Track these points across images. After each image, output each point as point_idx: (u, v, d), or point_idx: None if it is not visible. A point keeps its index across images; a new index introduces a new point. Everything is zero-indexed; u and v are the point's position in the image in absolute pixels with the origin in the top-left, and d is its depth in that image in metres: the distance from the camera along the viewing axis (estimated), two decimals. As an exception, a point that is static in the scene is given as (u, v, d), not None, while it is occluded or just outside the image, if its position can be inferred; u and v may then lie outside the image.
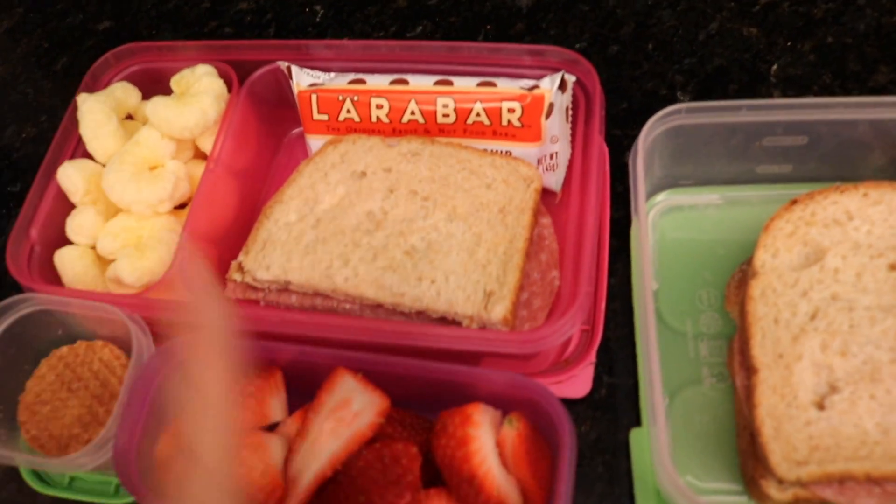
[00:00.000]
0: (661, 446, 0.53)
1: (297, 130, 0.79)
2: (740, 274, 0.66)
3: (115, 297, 0.63)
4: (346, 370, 0.56)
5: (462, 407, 0.53)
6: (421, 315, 0.62)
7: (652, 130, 0.64)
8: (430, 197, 0.65)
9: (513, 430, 0.53)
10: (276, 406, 0.58)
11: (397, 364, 0.56)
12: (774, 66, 0.79)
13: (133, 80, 0.76)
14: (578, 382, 0.65)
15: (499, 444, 0.53)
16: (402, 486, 0.52)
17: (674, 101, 0.77)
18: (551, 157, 0.69)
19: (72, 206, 0.72)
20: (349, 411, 0.54)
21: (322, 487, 0.54)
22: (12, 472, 0.70)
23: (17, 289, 0.67)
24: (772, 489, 0.57)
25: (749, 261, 0.65)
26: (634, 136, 0.65)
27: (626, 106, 0.79)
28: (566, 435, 0.52)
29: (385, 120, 0.69)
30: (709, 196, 0.72)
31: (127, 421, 0.57)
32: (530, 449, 0.54)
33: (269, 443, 0.55)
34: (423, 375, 0.56)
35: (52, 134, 0.87)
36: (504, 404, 0.56)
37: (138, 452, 0.57)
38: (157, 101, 0.69)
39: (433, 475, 0.56)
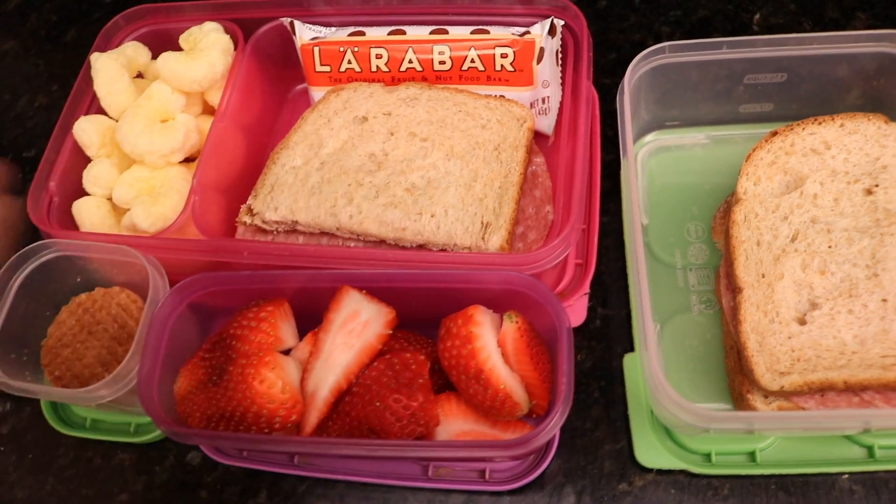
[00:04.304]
0: (653, 365, 0.56)
1: (300, 87, 0.83)
2: (725, 206, 0.70)
3: (131, 239, 0.66)
4: (351, 287, 0.59)
5: (463, 310, 0.57)
6: (422, 249, 0.66)
7: (637, 69, 0.67)
8: (428, 138, 0.68)
9: (512, 324, 0.57)
10: (287, 332, 0.61)
11: (398, 277, 0.59)
12: (757, 16, 0.82)
13: (142, 41, 0.79)
14: (574, 313, 0.68)
15: (500, 343, 0.57)
16: (413, 389, 0.55)
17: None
18: (543, 101, 0.72)
19: (87, 161, 0.75)
20: (358, 322, 0.58)
21: (338, 399, 0.58)
22: (36, 417, 0.73)
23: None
24: (758, 402, 0.60)
25: (734, 192, 0.68)
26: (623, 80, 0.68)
27: (614, 56, 0.82)
28: (562, 323, 0.56)
29: (384, 69, 0.73)
30: (695, 136, 0.75)
31: (147, 354, 0.60)
32: (530, 342, 0.57)
33: (285, 362, 0.58)
34: (422, 286, 0.59)
35: (63, 102, 0.91)
36: (500, 307, 0.59)
37: (159, 386, 0.60)
38: (168, 56, 0.73)
39: (441, 386, 0.59)
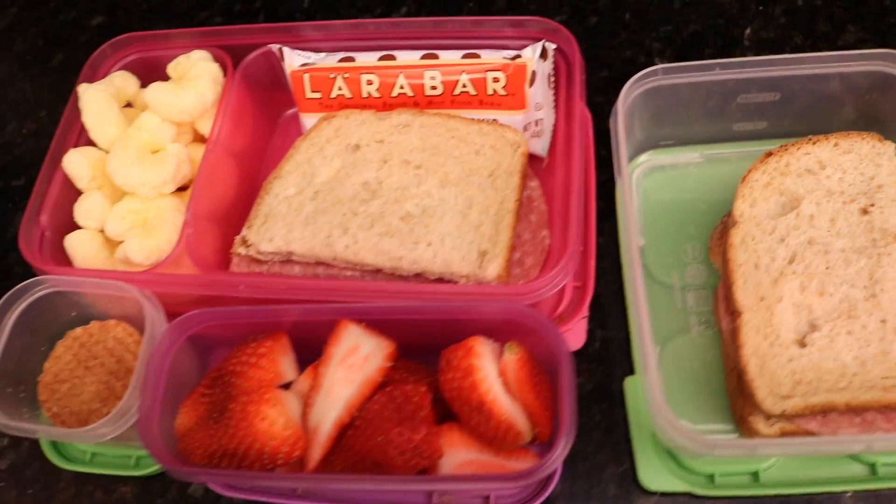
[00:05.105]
0: (654, 390, 0.56)
1: (290, 112, 0.82)
2: (722, 226, 0.70)
3: (126, 275, 0.66)
4: (350, 321, 0.59)
5: (463, 341, 0.57)
6: (419, 278, 0.65)
7: (630, 92, 0.67)
8: (422, 165, 0.68)
9: (513, 355, 0.57)
10: (287, 366, 0.61)
11: (396, 310, 0.59)
12: (748, 30, 0.82)
13: (130, 69, 0.78)
14: (573, 336, 0.68)
15: (501, 373, 0.57)
16: (416, 422, 0.55)
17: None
18: (536, 123, 0.72)
19: (77, 194, 0.74)
20: (359, 356, 0.57)
21: (341, 434, 0.57)
22: (35, 452, 0.73)
23: (27, 277, 0.69)
24: (760, 425, 0.60)
25: (730, 213, 0.68)
26: (615, 102, 0.68)
27: (606, 74, 0.82)
28: (563, 354, 0.56)
29: (375, 95, 0.72)
30: (689, 155, 0.75)
31: (147, 391, 0.60)
32: (531, 372, 0.57)
33: (286, 398, 0.58)
34: (421, 318, 0.59)
35: (52, 128, 0.89)
36: (500, 336, 0.59)
37: (160, 422, 0.60)
38: (156, 87, 0.72)
39: (442, 416, 0.59)
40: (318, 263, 0.68)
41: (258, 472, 0.57)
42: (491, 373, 0.57)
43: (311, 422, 0.59)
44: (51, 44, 0.98)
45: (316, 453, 0.58)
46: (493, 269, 0.63)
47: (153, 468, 0.70)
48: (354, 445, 0.58)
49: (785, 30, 0.82)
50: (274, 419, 0.56)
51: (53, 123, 0.89)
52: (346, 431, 0.59)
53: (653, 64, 0.82)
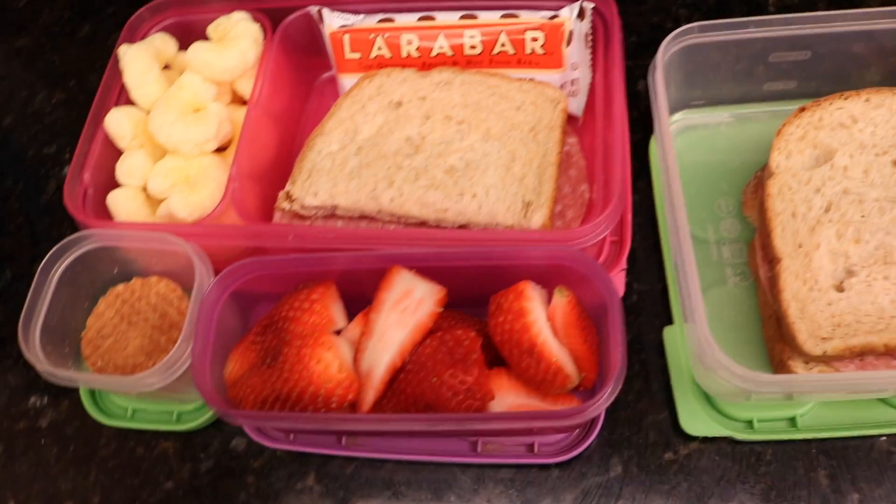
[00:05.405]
0: (703, 332, 0.57)
1: (325, 76, 0.83)
2: (755, 180, 0.71)
3: (174, 227, 0.67)
4: (401, 267, 0.60)
5: (514, 286, 0.58)
6: (463, 229, 0.66)
7: (668, 49, 0.69)
8: (464, 121, 0.69)
9: (563, 298, 0.58)
10: (337, 313, 0.62)
11: (445, 256, 0.60)
12: (772, -3, 0.84)
13: (168, 32, 0.79)
14: (612, 288, 0.69)
15: (549, 317, 0.58)
16: (468, 364, 0.56)
17: (679, 33, 0.82)
18: (572, 83, 0.74)
19: (117, 153, 0.75)
20: (412, 300, 0.58)
21: (394, 377, 0.58)
22: (74, 410, 0.73)
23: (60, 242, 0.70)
24: (799, 368, 0.62)
25: (763, 167, 0.70)
26: (644, 66, 0.69)
27: (634, 39, 0.84)
28: (612, 295, 0.57)
29: (415, 54, 0.73)
30: (720, 115, 0.77)
31: (199, 338, 0.61)
32: (579, 317, 0.58)
33: (339, 343, 0.59)
34: (468, 264, 0.60)
35: (82, 97, 0.91)
36: (543, 283, 0.60)
37: (210, 372, 0.61)
38: (198, 46, 0.73)
39: (490, 362, 0.60)
40: (362, 217, 0.69)
41: (317, 414, 0.58)
42: (541, 316, 0.58)
43: (363, 366, 0.60)
44: (78, 15, 0.98)
45: (370, 396, 0.59)
46: (538, 219, 0.65)
47: (194, 423, 0.70)
48: (406, 388, 0.59)
49: (809, -5, 0.84)
50: (329, 362, 0.57)
51: (83, 92, 0.91)
52: (398, 375, 0.59)
53: (680, 29, 0.84)
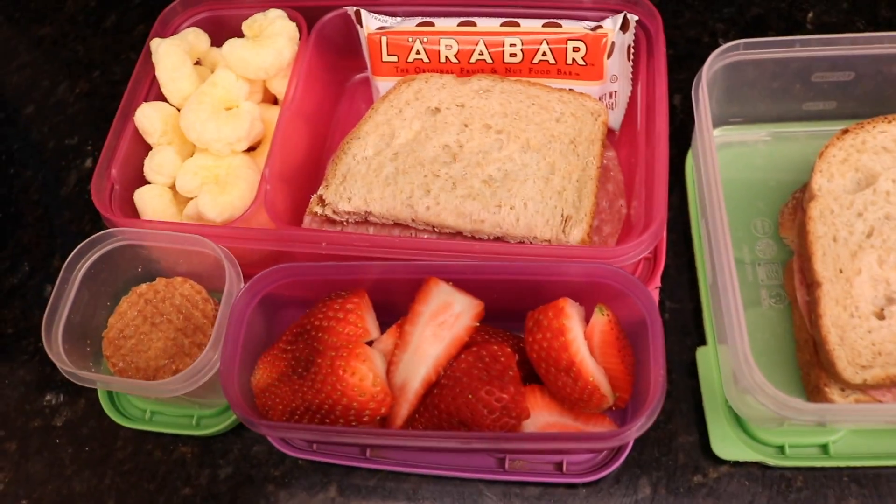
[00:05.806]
0: (743, 353, 0.56)
1: (358, 77, 0.82)
2: (793, 201, 0.70)
3: (203, 229, 0.65)
4: (438, 279, 0.59)
5: (553, 302, 0.57)
6: (499, 241, 0.65)
7: (713, 65, 0.68)
8: (503, 130, 0.68)
9: (604, 317, 0.56)
10: (371, 324, 0.61)
11: (482, 269, 0.59)
12: (810, 14, 0.83)
13: (200, 27, 0.78)
14: (645, 306, 0.68)
15: (587, 336, 0.57)
16: (505, 381, 0.55)
17: (716, 47, 0.81)
18: (611, 95, 0.72)
19: (145, 148, 0.74)
20: (451, 314, 0.57)
21: (428, 392, 0.57)
22: (91, 410, 0.72)
23: (79, 236, 0.69)
24: (835, 395, 0.61)
25: (802, 188, 0.69)
26: (682, 80, 0.68)
27: (671, 52, 0.82)
28: (653, 315, 0.56)
29: (454, 60, 0.72)
30: (757, 133, 0.76)
31: (228, 344, 0.60)
32: (618, 336, 0.57)
33: (374, 355, 0.57)
34: (505, 278, 0.59)
35: (105, 89, 0.89)
36: (580, 300, 0.59)
37: (239, 377, 0.59)
38: (234, 43, 0.72)
39: (524, 378, 0.59)
40: (395, 225, 0.67)
41: (346, 427, 0.57)
42: (579, 335, 0.57)
43: (396, 380, 0.58)
44: (103, 5, 0.97)
45: (403, 410, 0.58)
46: (577, 234, 0.64)
47: (215, 428, 0.69)
48: (440, 404, 0.58)
49: (847, 14, 0.83)
50: (364, 375, 0.56)
51: (106, 84, 0.89)
52: (432, 390, 0.58)
53: (717, 44, 0.83)
